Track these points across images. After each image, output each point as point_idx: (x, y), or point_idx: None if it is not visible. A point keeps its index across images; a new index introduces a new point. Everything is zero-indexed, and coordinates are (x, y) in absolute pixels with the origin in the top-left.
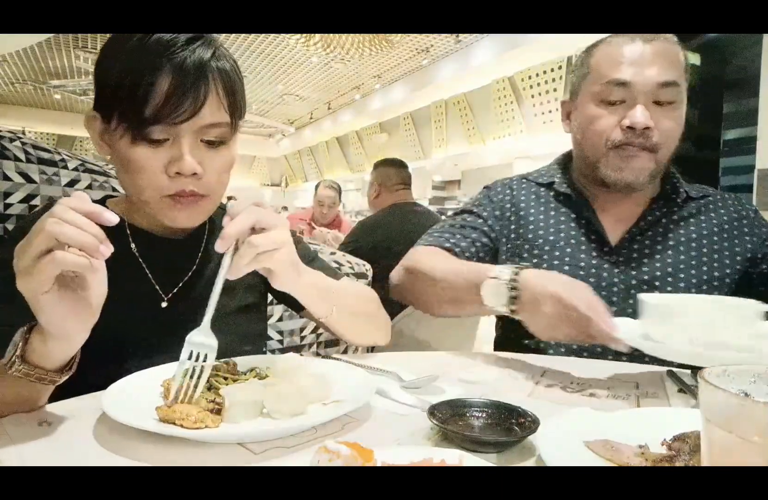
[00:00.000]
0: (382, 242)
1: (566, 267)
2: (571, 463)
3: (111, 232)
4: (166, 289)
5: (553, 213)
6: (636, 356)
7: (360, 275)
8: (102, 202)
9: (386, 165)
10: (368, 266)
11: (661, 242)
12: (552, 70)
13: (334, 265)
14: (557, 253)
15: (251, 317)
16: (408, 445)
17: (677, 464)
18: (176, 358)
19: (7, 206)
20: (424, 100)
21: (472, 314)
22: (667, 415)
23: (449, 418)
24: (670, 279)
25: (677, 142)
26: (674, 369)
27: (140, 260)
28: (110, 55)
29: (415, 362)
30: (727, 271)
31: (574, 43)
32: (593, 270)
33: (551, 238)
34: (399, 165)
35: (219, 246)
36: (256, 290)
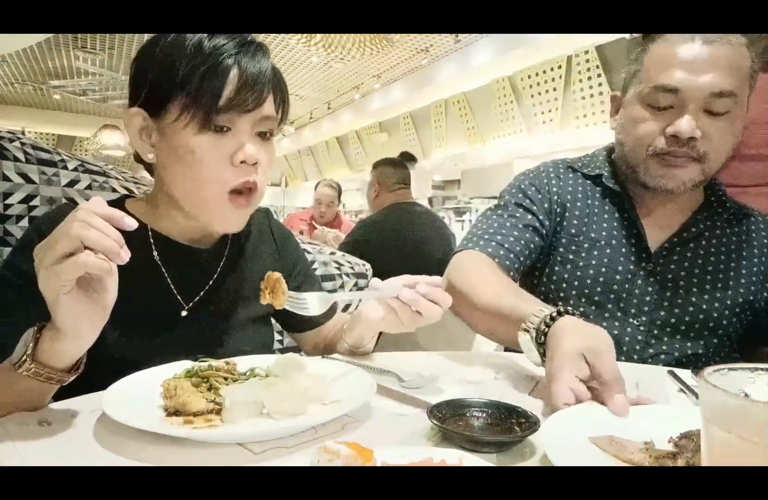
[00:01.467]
0: (382, 241)
1: (603, 269)
2: (575, 458)
3: (132, 238)
4: (187, 298)
5: (597, 210)
6: (641, 357)
7: (360, 275)
8: (120, 202)
9: (385, 165)
10: (368, 265)
11: (702, 256)
12: (552, 69)
13: (334, 265)
14: (596, 253)
15: (262, 326)
16: (408, 445)
17: (680, 461)
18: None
19: (7, 206)
20: (424, 100)
21: (510, 344)
22: (674, 412)
23: (449, 418)
24: (705, 297)
25: (729, 153)
26: (674, 369)
27: (162, 268)
28: (169, 57)
29: (415, 362)
30: (764, 295)
31: (574, 43)
32: (629, 276)
33: (593, 235)
34: (398, 165)
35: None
36: None
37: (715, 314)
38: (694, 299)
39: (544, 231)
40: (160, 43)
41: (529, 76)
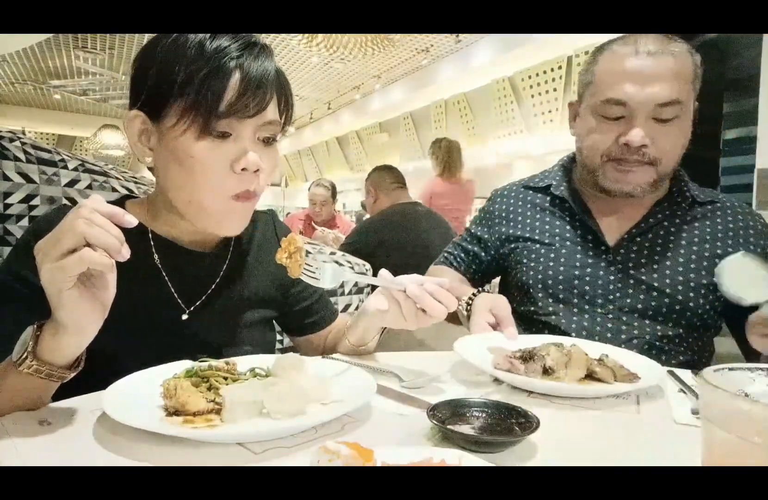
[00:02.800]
0: (384, 242)
1: (562, 268)
2: (476, 353)
3: (133, 241)
4: (188, 302)
5: (548, 218)
6: (615, 344)
7: (360, 275)
8: (121, 203)
9: (376, 170)
10: (368, 265)
11: (661, 244)
12: (552, 70)
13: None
14: (553, 255)
15: (265, 330)
16: (408, 445)
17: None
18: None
19: (7, 206)
20: (424, 100)
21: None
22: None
23: (449, 418)
24: (667, 281)
25: (681, 152)
26: (674, 369)
27: (162, 272)
28: (169, 59)
29: (415, 362)
30: None
31: (574, 43)
32: (589, 269)
33: (547, 241)
34: (389, 168)
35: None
36: (274, 304)
37: (680, 297)
38: (656, 285)
39: (492, 250)
40: (160, 44)
41: (529, 77)
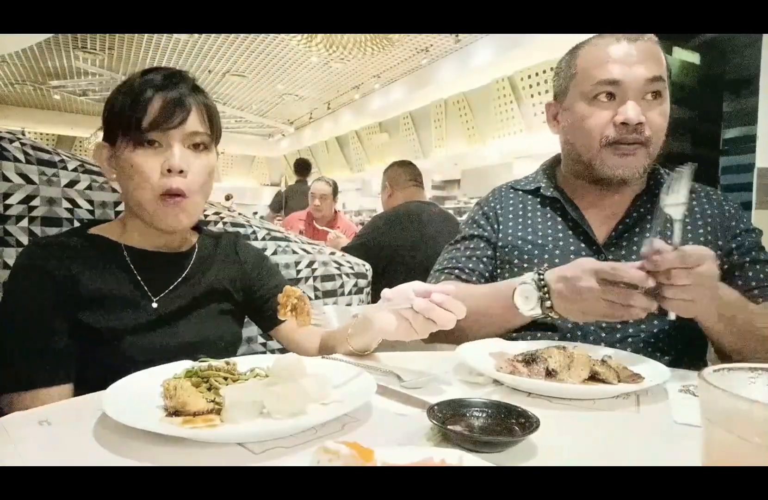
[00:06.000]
0: (394, 240)
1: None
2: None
3: (108, 252)
4: (156, 292)
5: (540, 219)
6: (609, 343)
7: (360, 275)
8: (82, 230)
9: (395, 166)
10: (368, 265)
11: (648, 237)
12: (552, 69)
13: (334, 265)
14: (546, 256)
15: (229, 319)
16: (408, 445)
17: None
18: (169, 351)
19: (7, 206)
20: (424, 100)
21: (503, 330)
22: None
23: (449, 418)
24: None
25: (664, 133)
26: (674, 369)
27: (134, 270)
28: (113, 98)
29: (415, 362)
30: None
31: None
32: None
33: (539, 242)
34: (407, 164)
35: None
36: (233, 298)
37: None
38: None
39: (492, 242)
40: (115, 89)
41: (529, 76)
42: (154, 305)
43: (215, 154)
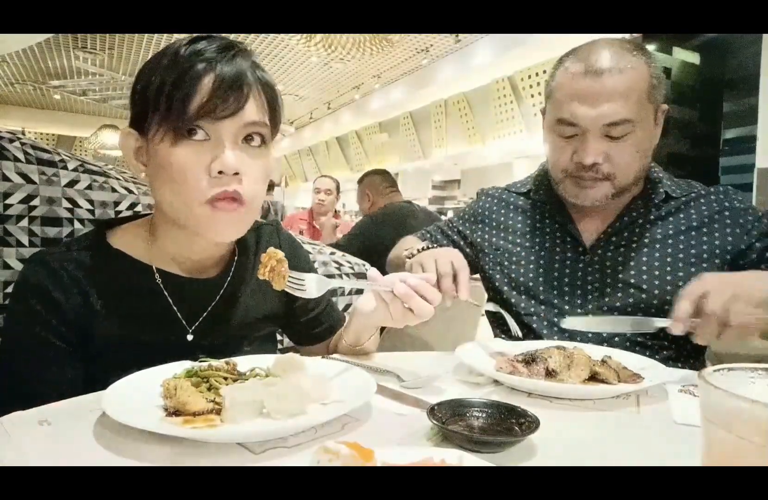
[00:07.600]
0: (385, 234)
1: (541, 270)
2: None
3: (139, 277)
4: (191, 323)
5: (529, 221)
6: (598, 342)
7: (359, 275)
8: (100, 235)
9: (371, 174)
10: (368, 265)
11: (636, 241)
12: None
13: (334, 265)
14: (533, 258)
15: (267, 343)
16: (408, 445)
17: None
18: None
19: (7, 206)
20: (424, 100)
21: None
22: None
23: (449, 418)
24: (644, 277)
25: (639, 165)
26: (675, 369)
27: (169, 299)
28: (149, 72)
29: (415, 362)
30: (704, 266)
31: (574, 42)
32: (567, 271)
33: (527, 244)
34: (383, 172)
35: None
36: (278, 319)
37: (658, 292)
38: (633, 281)
39: (468, 242)
40: (145, 65)
41: (529, 76)
42: (190, 337)
43: (272, 153)
